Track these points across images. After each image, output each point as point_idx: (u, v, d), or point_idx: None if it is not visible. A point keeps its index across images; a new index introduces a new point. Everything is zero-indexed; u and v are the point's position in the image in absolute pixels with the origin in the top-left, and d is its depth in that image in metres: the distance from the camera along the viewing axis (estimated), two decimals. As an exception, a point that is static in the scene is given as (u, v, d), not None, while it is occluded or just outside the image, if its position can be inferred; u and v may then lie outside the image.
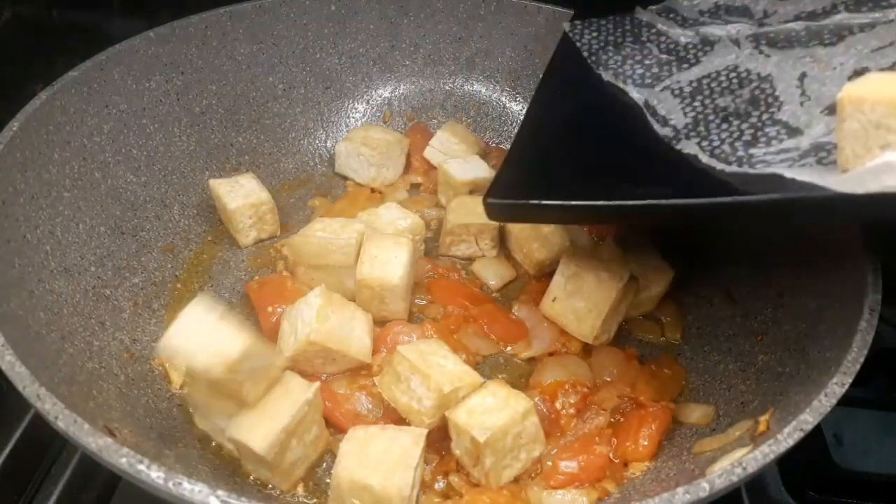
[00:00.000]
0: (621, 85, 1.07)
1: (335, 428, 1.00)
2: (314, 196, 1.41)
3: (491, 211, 0.97)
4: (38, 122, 1.05)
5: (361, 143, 1.39)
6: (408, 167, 1.47)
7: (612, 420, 1.03)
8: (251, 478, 0.93)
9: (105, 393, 0.94)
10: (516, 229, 1.24)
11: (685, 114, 0.97)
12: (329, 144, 1.50)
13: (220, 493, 0.65)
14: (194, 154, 1.33)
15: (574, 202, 0.91)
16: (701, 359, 1.13)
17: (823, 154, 0.80)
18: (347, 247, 1.13)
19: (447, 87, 1.56)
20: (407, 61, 1.54)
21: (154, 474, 0.67)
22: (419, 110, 1.56)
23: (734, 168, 0.85)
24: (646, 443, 0.98)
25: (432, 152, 1.45)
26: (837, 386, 0.80)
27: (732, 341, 1.11)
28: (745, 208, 0.80)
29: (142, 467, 0.67)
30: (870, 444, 1.15)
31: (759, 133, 0.89)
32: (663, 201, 0.83)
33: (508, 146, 1.52)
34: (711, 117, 0.95)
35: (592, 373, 1.09)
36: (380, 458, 0.85)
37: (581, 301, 1.10)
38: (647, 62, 1.09)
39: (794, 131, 0.87)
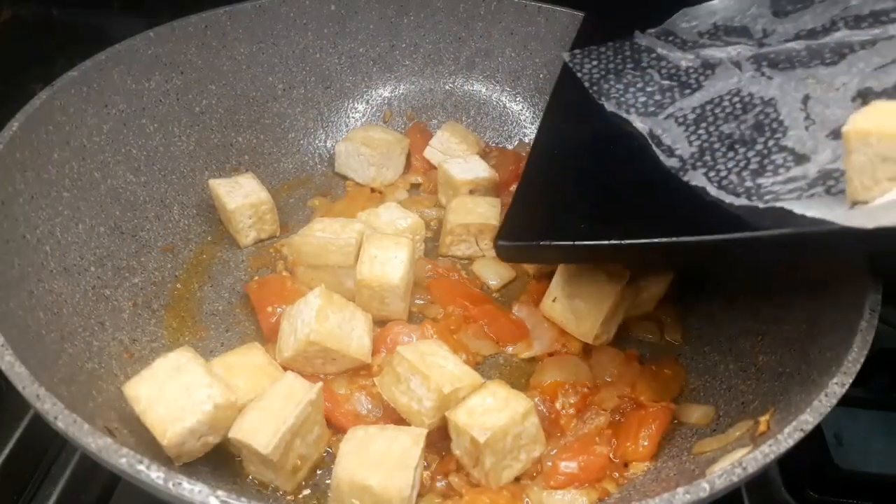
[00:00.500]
0: (624, 115, 1.06)
1: (335, 428, 1.00)
2: (314, 196, 1.41)
3: (502, 253, 0.98)
4: (38, 121, 1.05)
5: (361, 143, 1.39)
6: (408, 167, 1.47)
7: (612, 420, 1.03)
8: (250, 478, 0.93)
9: (105, 393, 0.94)
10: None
11: (690, 143, 0.96)
12: (329, 144, 1.50)
13: (219, 493, 0.65)
14: (194, 154, 1.33)
15: (584, 243, 0.91)
16: (701, 359, 1.13)
17: (832, 182, 0.80)
18: (347, 247, 1.13)
19: (447, 87, 1.56)
20: (407, 61, 1.54)
21: (154, 474, 0.67)
22: (419, 110, 1.56)
23: (743, 201, 0.85)
24: (646, 443, 0.98)
25: (432, 152, 1.45)
26: (838, 386, 0.80)
27: (732, 341, 1.11)
28: (756, 244, 0.80)
29: (141, 467, 0.67)
30: (870, 445, 1.15)
31: (766, 161, 0.88)
32: (673, 239, 0.83)
33: (510, 147, 1.54)
34: (717, 145, 0.94)
35: (592, 373, 1.09)
36: (379, 458, 0.84)
37: (581, 301, 1.09)
38: (649, 89, 1.08)
39: (800, 158, 0.86)
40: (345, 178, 1.45)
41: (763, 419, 0.88)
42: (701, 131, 0.97)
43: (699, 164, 0.93)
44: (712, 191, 0.89)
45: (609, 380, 1.08)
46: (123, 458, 0.68)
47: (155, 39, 1.26)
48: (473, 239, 1.27)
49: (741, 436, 0.91)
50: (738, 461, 0.73)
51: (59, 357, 0.92)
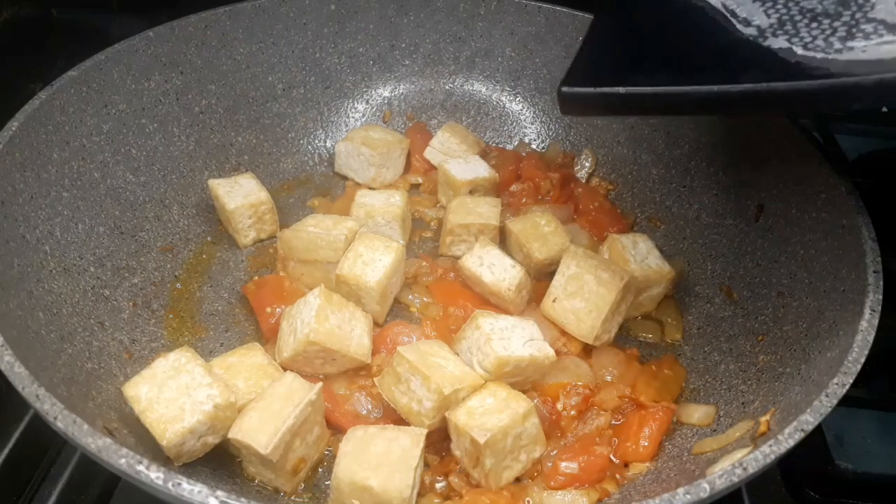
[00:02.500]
0: None
1: (335, 428, 1.00)
2: (314, 196, 1.41)
3: (566, 102, 0.88)
4: (38, 121, 1.05)
5: (361, 143, 1.39)
6: (408, 167, 1.47)
7: (612, 421, 1.03)
8: (250, 479, 0.93)
9: (104, 393, 0.94)
10: (516, 229, 1.24)
11: (768, 15, 0.90)
12: (329, 144, 1.50)
13: (219, 493, 0.65)
14: (193, 154, 1.33)
15: (671, 89, 0.83)
16: (701, 359, 1.13)
17: None
18: (336, 242, 1.13)
19: (447, 87, 1.56)
20: (407, 61, 1.54)
21: (153, 475, 0.66)
22: (419, 110, 1.56)
23: (835, 56, 0.80)
24: (646, 443, 0.98)
25: (432, 152, 1.45)
26: (838, 386, 0.80)
27: (733, 342, 1.11)
28: (856, 90, 0.74)
29: (141, 468, 0.67)
30: (870, 445, 1.14)
31: (855, 29, 0.83)
32: (773, 85, 0.77)
33: (510, 147, 1.53)
34: (798, 17, 0.88)
35: (593, 373, 1.08)
36: (379, 458, 0.84)
37: (581, 301, 1.09)
38: None
39: (893, 27, 0.81)
40: (344, 178, 1.45)
41: (763, 419, 0.88)
42: (779, 6, 0.91)
43: (780, 32, 0.87)
44: (799, 51, 0.83)
45: (609, 380, 1.08)
46: (123, 459, 0.68)
47: (155, 39, 1.26)
48: (473, 239, 1.26)
49: (741, 436, 0.91)
50: (738, 461, 0.73)
51: (58, 357, 0.92)
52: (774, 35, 0.87)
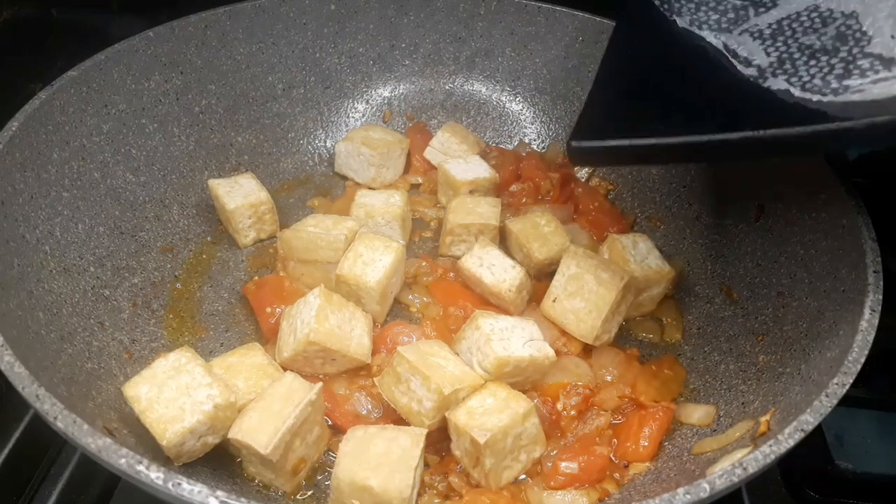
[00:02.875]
0: (697, 31, 1.03)
1: (335, 428, 1.00)
2: (314, 196, 1.41)
3: (575, 154, 0.93)
4: (38, 121, 1.05)
5: (362, 143, 1.39)
6: (408, 167, 1.47)
7: (612, 421, 1.03)
8: (250, 479, 0.93)
9: (104, 393, 0.94)
10: (516, 229, 1.24)
11: (768, 54, 0.93)
12: (329, 144, 1.50)
13: (219, 493, 0.65)
14: (193, 154, 1.33)
15: (674, 140, 0.86)
16: (701, 359, 1.13)
17: None
18: (336, 242, 1.13)
19: (447, 87, 1.56)
20: (407, 61, 1.54)
21: (153, 475, 0.67)
22: (419, 110, 1.56)
23: (831, 98, 0.82)
24: (646, 443, 0.98)
25: (432, 152, 1.45)
26: (838, 386, 0.80)
27: (733, 341, 1.11)
28: (849, 134, 0.77)
29: (141, 468, 0.67)
30: (870, 445, 1.15)
31: (852, 66, 0.86)
32: (771, 133, 0.79)
33: (510, 147, 1.53)
34: (797, 55, 0.91)
35: (593, 373, 1.08)
36: (379, 458, 0.84)
37: (581, 301, 1.09)
38: (722, 7, 1.05)
39: (889, 62, 0.83)
40: (344, 178, 1.45)
41: (763, 419, 0.88)
42: (779, 44, 0.95)
43: (779, 71, 0.90)
44: (796, 92, 0.86)
45: (609, 380, 1.08)
46: (123, 459, 0.68)
47: (155, 39, 1.26)
48: (473, 239, 1.26)
49: (741, 436, 0.91)
50: (738, 461, 0.73)
51: (58, 357, 0.92)
52: (774, 75, 0.90)
